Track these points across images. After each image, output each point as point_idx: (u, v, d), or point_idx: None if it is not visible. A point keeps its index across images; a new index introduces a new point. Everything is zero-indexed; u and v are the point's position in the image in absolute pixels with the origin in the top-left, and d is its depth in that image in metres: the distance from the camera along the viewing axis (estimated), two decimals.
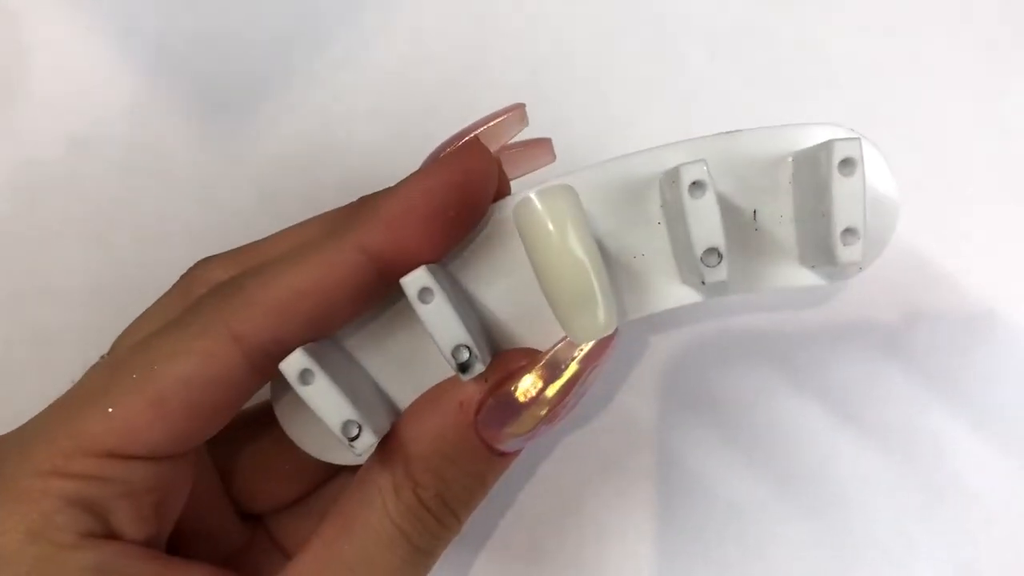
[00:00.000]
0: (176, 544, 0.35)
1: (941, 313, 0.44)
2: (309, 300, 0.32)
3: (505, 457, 0.36)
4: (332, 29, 0.50)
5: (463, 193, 0.33)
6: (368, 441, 0.32)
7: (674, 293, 0.36)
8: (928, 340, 0.45)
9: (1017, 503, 0.44)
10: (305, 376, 0.32)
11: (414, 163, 0.45)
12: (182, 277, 0.39)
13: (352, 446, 0.32)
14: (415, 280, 0.32)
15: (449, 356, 0.32)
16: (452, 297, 0.32)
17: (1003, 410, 0.44)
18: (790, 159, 0.35)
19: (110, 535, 0.32)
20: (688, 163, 0.31)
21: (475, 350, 0.32)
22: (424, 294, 0.32)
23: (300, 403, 0.34)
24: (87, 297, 0.48)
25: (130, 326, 0.38)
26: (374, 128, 0.49)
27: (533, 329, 0.36)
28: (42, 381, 0.46)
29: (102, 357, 0.37)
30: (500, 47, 0.49)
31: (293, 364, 0.32)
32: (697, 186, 0.31)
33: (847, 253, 0.32)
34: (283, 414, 0.38)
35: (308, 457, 0.38)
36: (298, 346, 0.33)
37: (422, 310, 0.32)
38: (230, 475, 0.40)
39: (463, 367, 0.33)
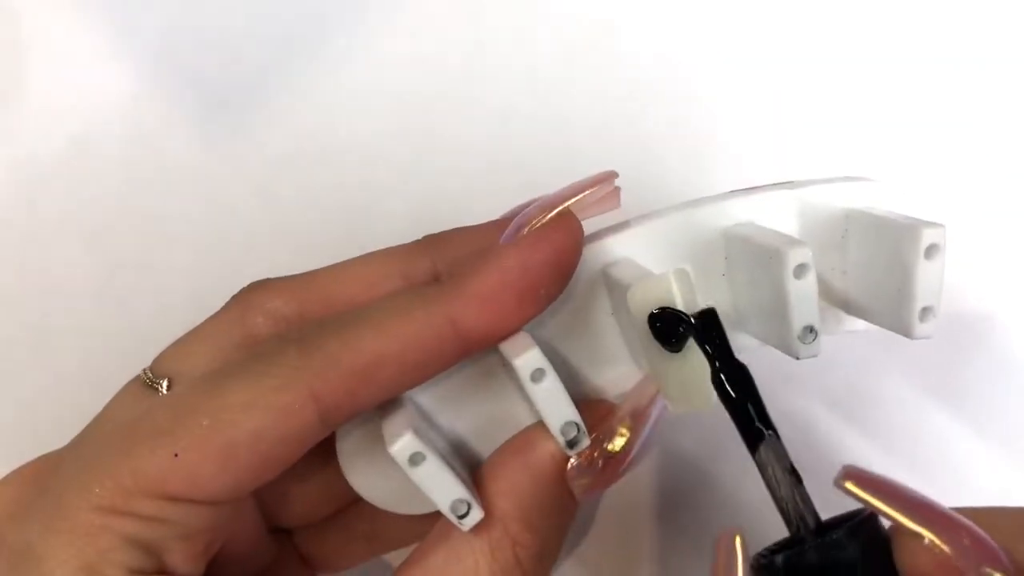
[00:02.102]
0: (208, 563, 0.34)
1: (941, 313, 0.45)
2: (392, 367, 0.31)
3: (577, 507, 0.35)
4: (332, 28, 0.48)
5: (557, 269, 0.32)
6: (477, 517, 0.31)
7: (735, 340, 0.36)
8: (927, 341, 0.44)
9: (1019, 503, 0.44)
10: (415, 458, 0.31)
11: (414, 163, 0.45)
12: (236, 299, 0.36)
13: (460, 523, 0.31)
14: (529, 361, 0.31)
15: (559, 433, 0.32)
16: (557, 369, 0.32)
17: (1004, 410, 0.45)
18: (844, 214, 0.35)
19: (162, 572, 0.31)
20: (794, 246, 0.31)
21: (582, 426, 0.32)
22: (537, 374, 0.31)
23: (367, 457, 0.33)
24: (87, 296, 0.46)
25: (179, 345, 0.36)
26: (374, 127, 0.47)
27: (605, 379, 0.36)
28: (42, 381, 0.44)
29: (145, 373, 0.35)
30: (500, 46, 0.48)
31: (404, 448, 0.31)
32: (802, 268, 0.31)
33: (923, 329, 0.33)
34: (348, 466, 0.36)
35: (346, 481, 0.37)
36: (372, 405, 0.32)
37: (534, 390, 0.31)
38: (264, 493, 0.39)
39: (571, 443, 0.32)
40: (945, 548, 0.27)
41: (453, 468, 0.31)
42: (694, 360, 0.31)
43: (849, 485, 0.28)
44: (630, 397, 0.35)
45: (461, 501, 0.31)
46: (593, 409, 0.35)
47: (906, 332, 0.33)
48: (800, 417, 0.45)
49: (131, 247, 0.47)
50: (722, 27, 0.48)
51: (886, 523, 0.28)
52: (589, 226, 0.35)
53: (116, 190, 0.47)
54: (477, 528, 0.32)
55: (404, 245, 0.38)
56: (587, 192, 0.33)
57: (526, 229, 0.33)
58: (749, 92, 0.47)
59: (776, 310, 0.32)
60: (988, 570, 0.26)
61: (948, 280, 0.44)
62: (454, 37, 0.48)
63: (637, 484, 0.45)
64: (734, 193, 0.36)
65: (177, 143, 0.47)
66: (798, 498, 0.28)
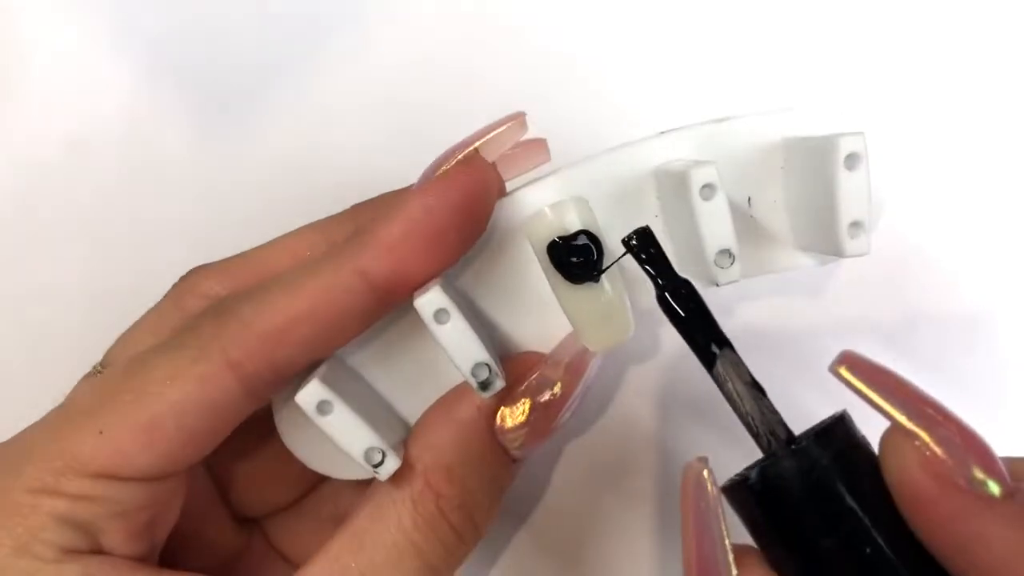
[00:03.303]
0: (171, 551, 0.34)
1: (941, 312, 0.42)
2: (305, 326, 0.30)
3: (517, 464, 0.34)
4: (329, 28, 0.47)
5: (465, 212, 0.31)
6: (392, 465, 0.30)
7: None
8: (928, 339, 0.42)
9: None
10: (323, 407, 0.30)
11: (410, 160, 0.43)
12: (175, 286, 0.37)
13: (376, 472, 0.30)
14: (430, 301, 0.29)
15: (469, 375, 0.30)
16: (466, 313, 0.30)
17: (1004, 409, 0.42)
18: (781, 145, 0.33)
19: (99, 551, 0.30)
20: (698, 166, 0.29)
21: (495, 367, 0.30)
22: (440, 315, 0.30)
23: (304, 421, 0.32)
24: (84, 297, 0.46)
25: (123, 335, 0.36)
26: (371, 126, 0.46)
27: (534, 330, 0.35)
28: (40, 381, 0.44)
29: (95, 367, 0.35)
30: (496, 44, 0.46)
31: (311, 395, 0.30)
32: (708, 188, 0.29)
33: (854, 246, 0.31)
34: (286, 431, 0.35)
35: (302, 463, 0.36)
36: (294, 369, 0.31)
37: (439, 331, 0.30)
38: (224, 480, 0.38)
39: (483, 385, 0.31)
40: (934, 446, 0.24)
41: (369, 418, 0.30)
42: (602, 291, 0.29)
43: (844, 371, 0.27)
44: (561, 347, 0.34)
45: (374, 449, 0.30)
46: (522, 360, 0.33)
47: (838, 251, 0.31)
48: (798, 416, 0.43)
49: (128, 247, 0.46)
50: (722, 23, 0.46)
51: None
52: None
53: (114, 190, 0.46)
54: (399, 482, 0.31)
55: (331, 215, 0.37)
56: (494, 132, 0.32)
57: (433, 176, 0.32)
58: (749, 88, 0.45)
59: (694, 237, 0.30)
60: (979, 475, 0.24)
61: (948, 278, 0.42)
62: (452, 37, 0.46)
63: (634, 483, 0.43)
64: (663, 133, 0.34)
65: (175, 143, 0.47)
66: (764, 411, 0.27)
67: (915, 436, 0.25)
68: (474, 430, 0.32)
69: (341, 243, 0.31)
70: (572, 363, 0.33)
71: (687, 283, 0.28)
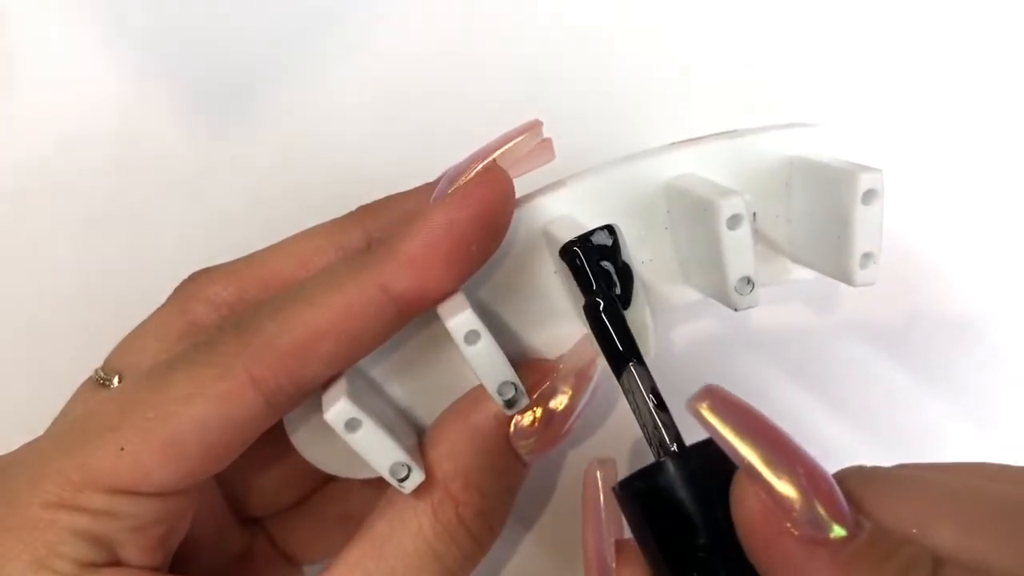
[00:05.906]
0: (178, 554, 0.33)
1: (940, 311, 0.43)
2: (328, 342, 0.30)
3: (527, 467, 0.35)
4: (322, 28, 0.46)
5: (486, 225, 0.31)
6: (417, 480, 0.31)
7: (678, 294, 0.35)
8: (927, 338, 0.43)
9: None
10: (352, 424, 0.30)
11: (409, 161, 0.43)
12: (178, 290, 0.36)
13: (401, 486, 0.31)
14: (462, 323, 0.30)
15: (495, 393, 0.31)
16: (492, 331, 0.30)
17: (1001, 407, 0.43)
18: (788, 162, 0.34)
19: (116, 564, 0.30)
20: (726, 196, 0.30)
21: (520, 386, 0.31)
22: (471, 336, 0.30)
23: (313, 423, 0.32)
24: (79, 297, 0.45)
25: (127, 340, 0.35)
26: (365, 126, 0.46)
27: (545, 335, 0.35)
28: (32, 382, 0.43)
29: (97, 372, 0.35)
30: (491, 43, 0.46)
31: (340, 414, 0.30)
32: (735, 219, 0.30)
33: (864, 276, 0.31)
34: (296, 435, 0.35)
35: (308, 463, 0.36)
36: (316, 383, 0.31)
37: (469, 352, 0.30)
38: (228, 481, 0.38)
39: (509, 403, 0.31)
40: (778, 489, 0.24)
41: (392, 432, 0.31)
42: (629, 314, 0.30)
43: (703, 409, 0.25)
44: (571, 355, 0.34)
45: (400, 464, 0.30)
46: (534, 368, 0.34)
47: (847, 279, 0.32)
48: (797, 414, 0.43)
49: (122, 247, 0.45)
50: (721, 23, 0.46)
51: None
52: (530, 184, 0.34)
53: (106, 190, 0.45)
54: (420, 491, 0.31)
55: (337, 218, 0.37)
56: (512, 143, 0.32)
57: (452, 187, 0.32)
58: (748, 88, 0.45)
59: (713, 261, 0.31)
60: (824, 517, 0.24)
61: (947, 277, 0.43)
62: (444, 34, 0.46)
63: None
64: (674, 145, 0.34)
65: (167, 143, 0.46)
66: (659, 422, 0.27)
67: (760, 480, 0.24)
68: (490, 438, 0.33)
69: (360, 255, 0.31)
70: (580, 370, 0.34)
71: (616, 300, 0.30)
